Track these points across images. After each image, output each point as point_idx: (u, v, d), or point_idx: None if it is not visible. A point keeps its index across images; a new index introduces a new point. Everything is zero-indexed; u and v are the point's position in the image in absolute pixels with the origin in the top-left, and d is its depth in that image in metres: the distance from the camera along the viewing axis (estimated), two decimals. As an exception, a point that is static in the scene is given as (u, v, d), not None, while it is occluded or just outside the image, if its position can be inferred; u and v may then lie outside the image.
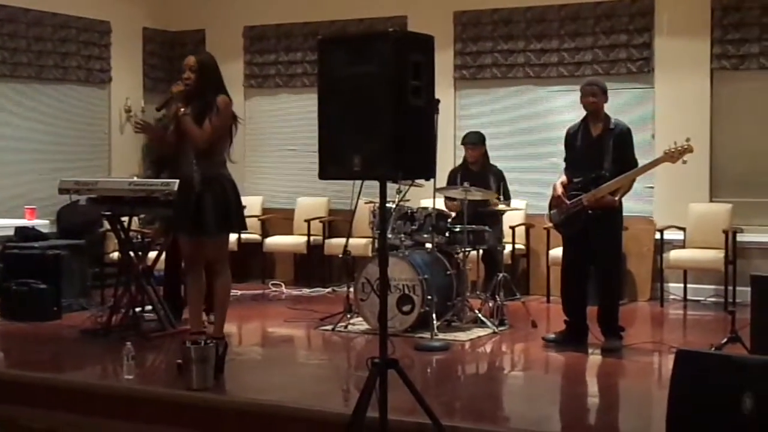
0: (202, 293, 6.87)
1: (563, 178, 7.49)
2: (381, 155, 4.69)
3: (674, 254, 9.48)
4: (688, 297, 9.67)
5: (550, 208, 7.56)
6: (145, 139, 8.06)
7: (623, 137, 7.29)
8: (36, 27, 10.71)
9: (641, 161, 7.32)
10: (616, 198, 7.20)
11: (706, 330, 8.37)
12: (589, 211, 7.19)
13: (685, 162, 7.02)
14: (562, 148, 7.64)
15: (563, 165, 7.62)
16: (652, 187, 9.83)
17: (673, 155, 7.00)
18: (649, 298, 9.82)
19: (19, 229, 9.64)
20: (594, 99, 7.29)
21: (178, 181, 6.99)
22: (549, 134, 10.23)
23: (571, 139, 7.50)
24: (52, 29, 10.88)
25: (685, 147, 6.96)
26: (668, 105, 9.85)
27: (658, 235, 9.70)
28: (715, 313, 9.15)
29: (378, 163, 4.72)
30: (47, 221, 10.01)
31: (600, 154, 7.25)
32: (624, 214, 7.51)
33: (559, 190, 7.38)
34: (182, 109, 6.45)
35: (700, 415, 4.38)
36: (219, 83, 6.66)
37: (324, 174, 4.93)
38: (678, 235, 9.69)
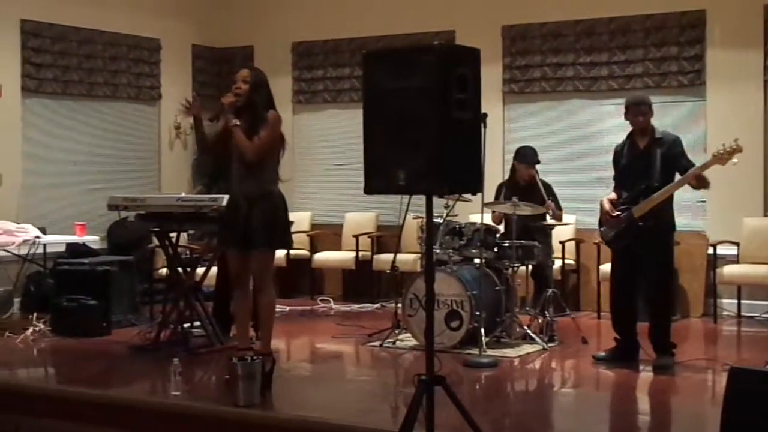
0: (249, 309, 6.86)
1: (612, 194, 7.41)
2: (425, 169, 4.66)
3: (728, 269, 9.35)
4: (742, 313, 9.52)
5: (600, 225, 7.48)
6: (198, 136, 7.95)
7: (673, 147, 7.19)
8: (86, 45, 10.83)
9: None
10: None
11: (761, 347, 8.23)
12: (640, 224, 7.09)
13: (735, 163, 6.87)
14: (611, 162, 7.56)
15: (612, 183, 7.53)
16: (704, 201, 9.70)
17: (722, 157, 6.87)
18: (701, 314, 9.68)
19: (69, 246, 9.75)
20: (643, 118, 7.22)
21: (227, 196, 7.00)
22: (598, 148, 10.14)
23: (618, 156, 7.42)
24: (103, 47, 11.00)
25: (734, 147, 6.82)
26: (721, 118, 9.72)
27: (711, 250, 9.57)
28: (770, 330, 9.02)
29: (422, 177, 4.69)
30: (97, 237, 10.08)
31: (648, 165, 7.16)
32: (677, 229, 7.41)
33: (607, 205, 7.29)
34: (234, 120, 6.44)
35: (754, 434, 4.28)
36: (270, 99, 6.66)
37: (369, 188, 4.90)
38: (732, 250, 9.55)
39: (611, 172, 7.61)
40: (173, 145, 11.59)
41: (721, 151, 6.87)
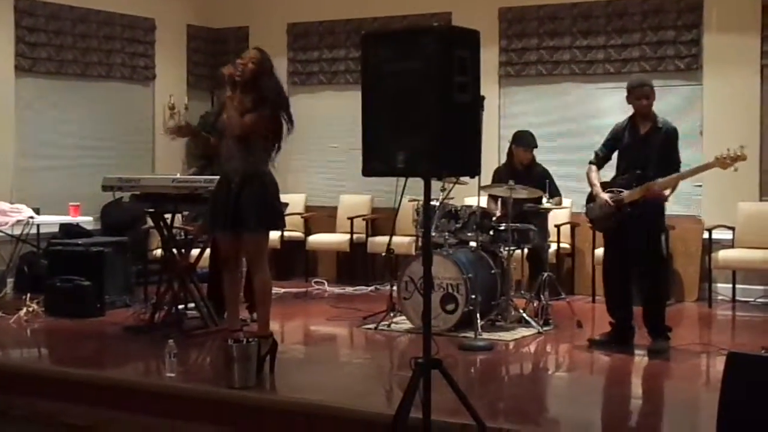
0: (239, 291, 6.83)
1: (597, 174, 7.37)
2: (425, 152, 4.65)
3: (723, 254, 9.35)
4: (737, 298, 9.53)
5: (588, 202, 7.48)
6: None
7: (670, 138, 7.18)
8: (81, 24, 10.77)
9: (688, 159, 7.20)
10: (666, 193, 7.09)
11: (756, 332, 8.26)
12: (628, 208, 7.09)
13: (736, 170, 6.88)
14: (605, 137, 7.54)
15: (592, 158, 7.51)
16: (700, 186, 9.69)
17: (725, 162, 6.85)
18: (696, 298, 9.69)
19: (63, 226, 9.73)
20: (647, 101, 7.19)
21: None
22: (595, 132, 10.06)
23: (617, 136, 7.39)
24: (97, 26, 10.94)
25: (739, 155, 6.82)
26: (717, 102, 9.71)
27: (706, 235, 9.58)
28: (765, 315, 9.03)
29: (422, 159, 4.67)
30: (91, 218, 10.05)
31: (646, 153, 7.15)
32: (671, 213, 7.42)
33: (605, 197, 7.21)
34: (229, 93, 6.40)
35: (752, 420, 4.28)
36: (278, 85, 6.61)
37: (367, 171, 4.88)
38: (727, 235, 9.56)
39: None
40: (167, 126, 11.51)
41: (725, 156, 6.85)
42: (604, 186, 7.32)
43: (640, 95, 7.19)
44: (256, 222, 6.42)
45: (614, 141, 7.41)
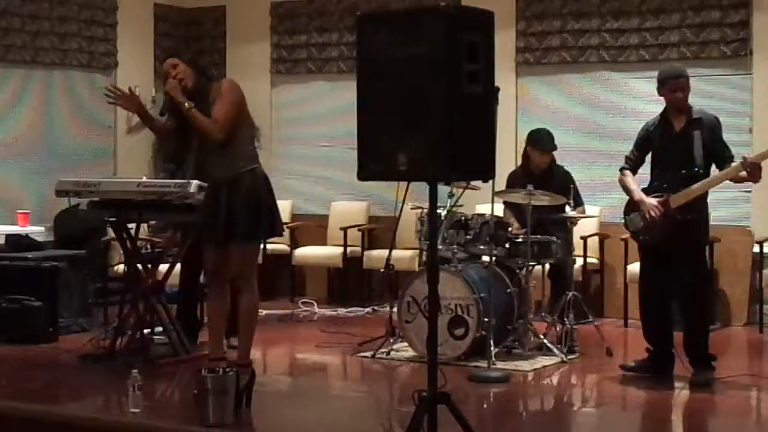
0: (226, 313, 6.86)
1: (633, 179, 7.39)
2: (431, 152, 4.67)
3: (776, 271, 9.38)
4: (793, 322, 9.55)
5: (627, 212, 7.48)
6: (152, 130, 8.24)
7: (713, 128, 7.20)
8: (32, 3, 10.79)
9: (736, 159, 7.20)
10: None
11: (814, 361, 8.27)
12: (678, 217, 7.08)
13: None
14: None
15: (624, 164, 7.54)
16: (749, 192, 9.70)
17: None
18: (745, 322, 9.70)
19: (9, 238, 9.70)
20: (682, 94, 7.22)
21: (195, 182, 6.99)
22: (627, 129, 10.10)
23: (648, 136, 7.41)
24: (50, 6, 10.96)
25: None
26: (769, 94, 9.74)
27: (756, 248, 9.58)
28: (824, 341, 9.06)
29: (427, 161, 4.69)
30: (42, 228, 10.05)
31: (688, 149, 7.17)
32: (717, 223, 7.43)
33: (653, 201, 7.22)
34: (186, 104, 6.46)
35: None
36: (207, 68, 6.78)
37: (364, 174, 4.90)
38: (781, 249, 9.58)
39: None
40: (132, 121, 11.56)
41: None
42: (645, 193, 7.31)
43: (675, 87, 7.21)
44: (246, 232, 6.46)
45: (646, 142, 7.43)
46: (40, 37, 10.89)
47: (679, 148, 7.20)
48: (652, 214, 7.20)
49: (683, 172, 7.13)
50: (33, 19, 10.81)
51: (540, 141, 8.79)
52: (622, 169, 7.52)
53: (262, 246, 10.32)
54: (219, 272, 6.63)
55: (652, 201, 7.24)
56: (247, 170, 6.51)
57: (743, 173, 7.02)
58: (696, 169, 7.11)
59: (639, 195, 7.34)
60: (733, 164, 7.02)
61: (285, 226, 10.99)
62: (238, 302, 6.69)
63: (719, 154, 7.17)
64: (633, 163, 7.50)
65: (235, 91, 6.57)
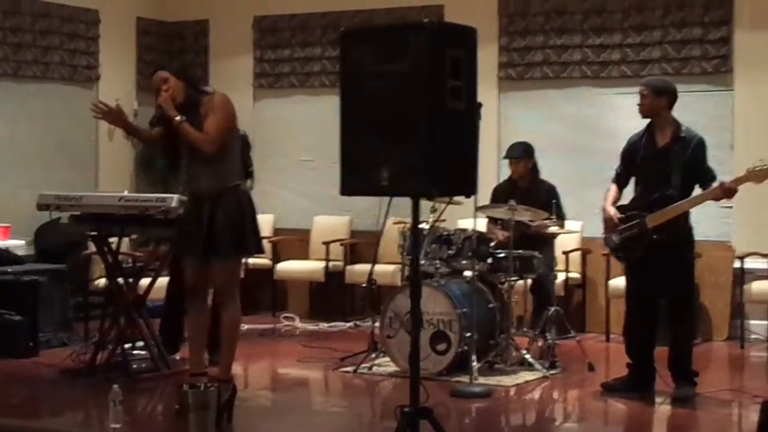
0: (206, 328, 6.85)
1: (613, 194, 7.43)
2: (413, 168, 4.68)
3: (757, 286, 9.40)
4: (774, 337, 9.59)
5: (605, 230, 7.52)
6: (134, 144, 8.33)
7: (696, 150, 7.21)
8: (13, 16, 10.77)
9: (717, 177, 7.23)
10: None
11: (795, 376, 8.30)
12: (654, 236, 7.12)
13: None
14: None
15: (612, 176, 7.59)
16: (730, 207, 9.73)
17: (759, 175, 6.92)
18: (726, 337, 9.73)
19: (-10, 251, 9.68)
20: (640, 102, 7.28)
21: (176, 196, 6.98)
22: (610, 144, 10.08)
23: (631, 149, 7.44)
24: (32, 19, 10.94)
25: None
26: (750, 110, 9.78)
27: (737, 264, 9.61)
28: (806, 357, 9.09)
29: (410, 176, 4.70)
30: (23, 242, 10.02)
31: (667, 167, 7.19)
32: (698, 239, 7.44)
33: (613, 212, 7.30)
34: (177, 118, 6.47)
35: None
36: (197, 82, 6.79)
37: (347, 189, 4.91)
38: (761, 264, 9.60)
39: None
40: (113, 135, 11.53)
41: (758, 168, 6.92)
42: (623, 210, 7.34)
43: (640, 94, 7.28)
44: (230, 247, 6.47)
45: (630, 154, 7.46)
46: (23, 50, 10.86)
47: (659, 165, 7.22)
48: (609, 224, 7.29)
49: (659, 192, 7.15)
50: (15, 32, 10.79)
51: (509, 151, 8.86)
52: (612, 181, 7.55)
53: (245, 261, 10.35)
54: (198, 287, 6.64)
55: (610, 210, 7.31)
56: (233, 186, 6.53)
57: (720, 196, 7.06)
58: (671, 190, 7.12)
59: (605, 203, 7.39)
60: (712, 187, 7.05)
61: (268, 241, 11.13)
62: (220, 317, 6.68)
63: (701, 175, 7.16)
64: (618, 177, 7.53)
65: (228, 106, 6.59)
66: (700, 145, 7.24)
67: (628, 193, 7.50)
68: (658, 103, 7.26)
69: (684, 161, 7.17)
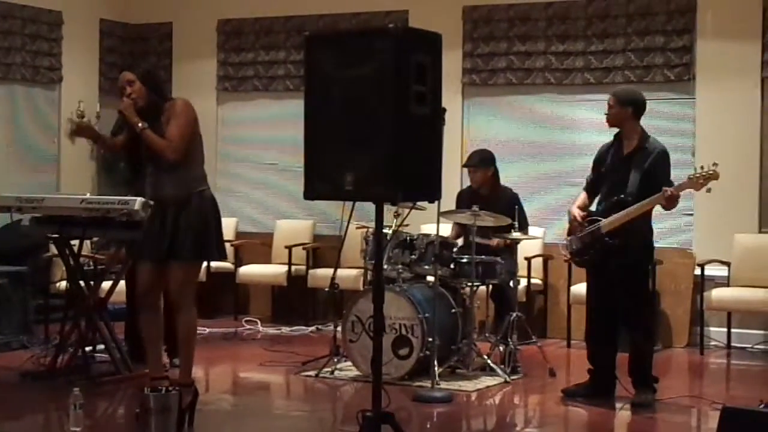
0: (161, 330, 6.83)
1: (581, 199, 7.50)
2: (377, 172, 4.69)
3: (717, 293, 9.45)
4: (733, 343, 9.63)
5: (569, 234, 7.57)
6: (93, 145, 8.41)
7: (657, 159, 7.26)
8: (-26, 17, 10.72)
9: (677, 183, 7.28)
10: None
11: (754, 383, 8.35)
12: (608, 239, 7.17)
13: (709, 190, 7.04)
14: (587, 166, 7.66)
15: (584, 183, 7.65)
16: (691, 215, 9.82)
17: (697, 181, 7.03)
18: (686, 344, 9.78)
19: (-52, 253, 9.61)
20: (607, 111, 7.35)
21: (139, 199, 6.96)
22: (572, 150, 10.22)
23: (600, 158, 7.51)
24: (-6, 19, 10.89)
25: (710, 173, 6.96)
26: (711, 118, 9.85)
27: (698, 271, 9.67)
28: (764, 363, 9.15)
29: (374, 181, 4.72)
30: (-18, 243, 9.96)
31: (626, 174, 7.24)
32: (659, 246, 7.50)
33: (576, 213, 7.38)
34: (140, 124, 6.46)
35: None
36: (163, 89, 6.77)
37: (310, 193, 4.91)
38: (722, 271, 9.67)
39: (586, 177, 7.68)
40: (82, 137, 11.45)
41: (697, 175, 7.03)
42: (590, 216, 7.39)
43: (607, 107, 7.35)
44: (190, 251, 6.46)
45: (598, 162, 7.52)
46: (-17, 51, 10.81)
47: (621, 172, 7.29)
48: (575, 216, 7.36)
49: (616, 198, 7.21)
50: (-25, 32, 10.74)
51: (469, 159, 8.89)
52: (583, 188, 7.61)
53: (206, 264, 10.33)
54: (151, 291, 6.62)
55: (575, 212, 7.39)
56: (197, 191, 6.52)
57: (664, 203, 7.12)
58: (626, 196, 7.17)
59: (571, 206, 7.46)
60: (656, 195, 7.10)
61: (230, 244, 11.10)
62: (176, 321, 6.66)
63: (660, 185, 7.20)
64: (588, 185, 7.58)
65: (189, 112, 6.57)
66: (660, 156, 7.29)
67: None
68: (623, 112, 7.31)
69: (643, 169, 7.23)
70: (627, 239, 7.17)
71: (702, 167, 7.03)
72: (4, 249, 10.30)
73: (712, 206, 9.46)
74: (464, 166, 8.91)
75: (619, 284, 7.24)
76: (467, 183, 9.30)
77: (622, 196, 7.18)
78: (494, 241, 8.52)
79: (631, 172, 7.23)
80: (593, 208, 7.51)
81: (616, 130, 7.43)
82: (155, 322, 6.74)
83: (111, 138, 6.98)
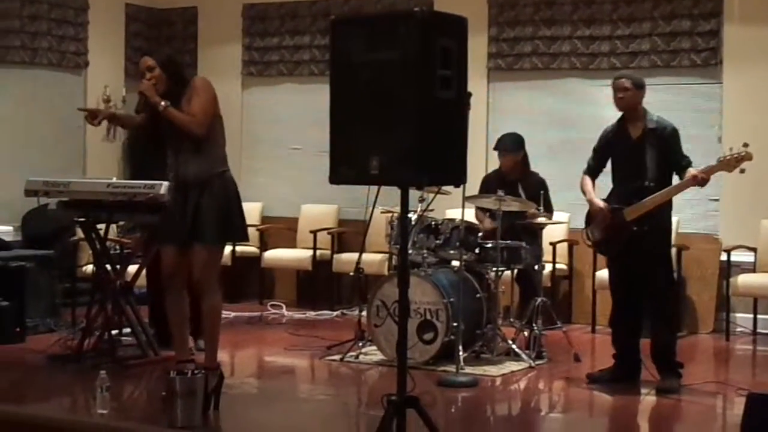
0: (187, 314, 6.84)
1: (590, 185, 7.46)
2: (403, 157, 4.69)
3: (743, 279, 9.41)
4: (759, 329, 9.60)
5: (587, 223, 7.54)
6: (109, 125, 8.50)
7: (669, 139, 7.25)
8: (1, 2, 10.73)
9: (694, 167, 7.25)
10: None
11: (780, 369, 8.34)
12: (634, 228, 7.15)
13: (743, 171, 7.00)
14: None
15: (584, 168, 7.63)
16: (717, 200, 9.78)
17: (729, 163, 6.99)
18: (712, 330, 9.75)
19: (-23, 237, 9.67)
20: (622, 95, 7.30)
21: (165, 183, 6.98)
22: (597, 136, 10.17)
23: (604, 142, 7.48)
24: (20, 4, 10.90)
25: (742, 154, 6.93)
26: (738, 103, 9.79)
27: (724, 257, 9.63)
28: (791, 349, 9.13)
29: (399, 165, 4.71)
30: (11, 228, 10.02)
31: (641, 160, 7.22)
32: (685, 231, 7.47)
33: (601, 203, 7.33)
34: (162, 103, 6.45)
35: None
36: (182, 74, 6.75)
37: (335, 178, 4.92)
38: (748, 257, 9.63)
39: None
40: (101, 122, 11.49)
41: (728, 157, 7.01)
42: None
43: (615, 88, 7.32)
44: (214, 233, 6.46)
45: (604, 147, 7.50)
46: (10, 36, 10.82)
47: (634, 158, 7.26)
48: (606, 224, 7.29)
49: (635, 184, 7.19)
50: (2, 17, 10.74)
51: (499, 143, 8.85)
52: (583, 173, 7.58)
53: (231, 248, 10.37)
54: (176, 275, 6.60)
55: (599, 203, 7.32)
56: (219, 172, 6.52)
57: (693, 185, 7.10)
58: (647, 182, 7.16)
59: (591, 197, 7.43)
60: (685, 179, 7.07)
61: (255, 229, 11.14)
62: (200, 305, 6.67)
63: (676, 163, 7.19)
64: (591, 170, 7.55)
65: (209, 89, 6.57)
66: (672, 135, 7.29)
67: (604, 187, 7.53)
68: (638, 95, 7.31)
69: (658, 152, 7.21)
70: (651, 226, 7.15)
71: (731, 149, 7.00)
72: (31, 233, 10.38)
73: (739, 192, 9.42)
74: (496, 149, 8.88)
75: (643, 271, 7.23)
76: (492, 167, 9.29)
77: (646, 183, 7.15)
78: (486, 222, 8.50)
79: (647, 156, 7.21)
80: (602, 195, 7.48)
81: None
82: (181, 305, 6.74)
83: (128, 116, 6.96)
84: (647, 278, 7.24)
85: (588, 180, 7.52)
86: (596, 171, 7.54)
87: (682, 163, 7.20)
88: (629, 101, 7.30)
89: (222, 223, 6.48)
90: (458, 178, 5.01)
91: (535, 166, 9.03)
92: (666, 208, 7.27)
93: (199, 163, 6.48)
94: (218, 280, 6.67)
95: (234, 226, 6.59)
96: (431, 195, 8.16)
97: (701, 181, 7.01)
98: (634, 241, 7.19)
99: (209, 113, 6.48)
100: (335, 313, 10.48)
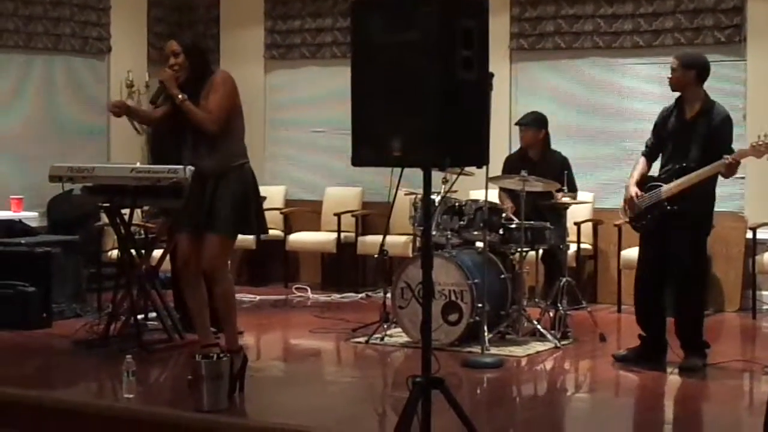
0: (204, 301, 6.81)
1: (640, 167, 7.42)
2: (425, 138, 4.69)
3: (769, 257, 9.40)
4: (786, 308, 9.59)
5: (624, 206, 7.52)
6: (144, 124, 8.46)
7: (719, 125, 7.19)
8: (24, -12, 10.77)
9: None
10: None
11: (807, 347, 8.31)
12: (668, 207, 7.13)
13: None
14: (637, 129, 7.60)
15: (643, 149, 7.58)
16: (743, 178, 9.72)
17: (760, 149, 6.96)
18: (738, 308, 9.73)
19: (3, 223, 9.70)
20: (670, 75, 7.26)
21: (189, 167, 6.99)
22: (621, 114, 10.15)
23: (662, 121, 7.43)
24: (43, -9, 10.94)
25: None
26: (762, 80, 9.74)
27: (749, 235, 9.61)
28: (817, 327, 9.09)
29: (421, 147, 4.71)
30: (36, 213, 10.05)
31: (688, 140, 7.18)
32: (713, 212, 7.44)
33: (633, 190, 7.30)
34: (179, 96, 6.45)
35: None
36: (207, 64, 6.73)
37: (358, 160, 4.91)
38: (774, 235, 9.60)
39: (635, 142, 7.63)
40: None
41: (759, 143, 6.96)
42: (650, 181, 7.33)
43: (671, 71, 7.27)
44: (227, 224, 6.45)
45: (660, 126, 7.45)
46: (33, 22, 10.85)
47: (683, 137, 7.22)
48: (629, 199, 7.32)
49: (679, 164, 7.15)
50: (26, 4, 10.78)
51: (522, 117, 8.84)
52: (641, 154, 7.55)
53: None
54: (191, 262, 6.59)
55: (632, 190, 7.32)
56: (237, 164, 6.50)
57: (724, 171, 7.06)
58: (690, 163, 7.11)
59: (629, 181, 7.40)
60: (717, 162, 7.04)
61: (279, 212, 11.15)
62: (212, 292, 6.65)
63: (722, 151, 7.12)
64: (648, 149, 7.51)
65: (229, 84, 6.54)
66: (724, 121, 7.22)
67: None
68: (687, 76, 7.23)
69: (705, 135, 7.16)
70: (686, 205, 7.11)
71: (766, 135, 6.95)
72: (56, 219, 10.43)
73: (764, 170, 9.33)
74: (516, 123, 8.87)
75: (674, 250, 7.19)
76: (515, 148, 9.26)
77: (684, 164, 7.12)
78: (506, 205, 8.50)
79: (693, 138, 7.17)
80: (655, 173, 7.45)
81: (674, 95, 7.35)
82: (198, 291, 6.73)
83: (143, 110, 6.93)
84: (679, 257, 7.20)
85: (640, 163, 7.47)
86: (653, 150, 7.47)
87: (723, 152, 7.14)
88: (677, 81, 7.24)
89: (236, 214, 6.45)
90: (480, 159, 4.99)
91: (557, 145, 8.99)
92: (705, 190, 7.20)
93: (217, 155, 6.46)
94: (227, 266, 6.65)
95: (248, 220, 6.54)
96: (454, 176, 8.15)
97: (730, 164, 6.95)
98: (668, 219, 7.16)
99: (225, 109, 6.45)
100: (360, 295, 10.49)
